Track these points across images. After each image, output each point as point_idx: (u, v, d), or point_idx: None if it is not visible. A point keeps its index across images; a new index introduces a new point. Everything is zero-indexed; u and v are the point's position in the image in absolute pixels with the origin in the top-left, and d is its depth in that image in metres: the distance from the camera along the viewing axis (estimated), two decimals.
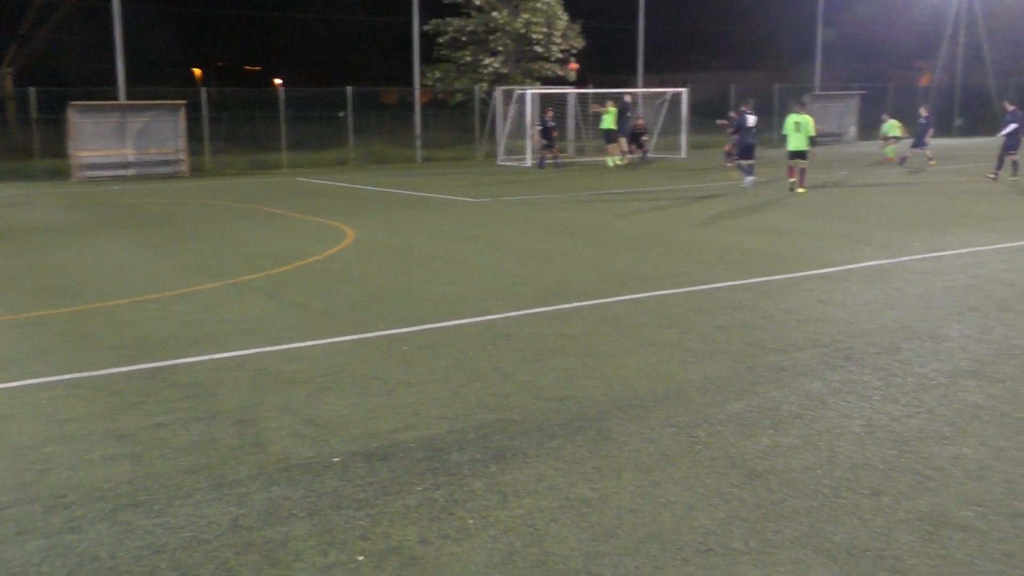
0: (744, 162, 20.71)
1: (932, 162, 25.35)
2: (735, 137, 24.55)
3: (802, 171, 19.33)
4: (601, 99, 31.10)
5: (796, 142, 19.31)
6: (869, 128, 44.45)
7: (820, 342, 6.93)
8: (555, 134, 28.61)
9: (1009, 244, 11.51)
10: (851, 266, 10.24)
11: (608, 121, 29.09)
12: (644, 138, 31.29)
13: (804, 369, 6.22)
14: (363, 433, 5.20)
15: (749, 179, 20.37)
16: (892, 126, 27.97)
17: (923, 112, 26.28)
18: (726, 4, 61.25)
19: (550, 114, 27.66)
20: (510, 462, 4.71)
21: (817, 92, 42.56)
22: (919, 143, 26.13)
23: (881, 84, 46.55)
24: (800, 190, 19.10)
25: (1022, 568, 3.53)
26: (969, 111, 48.45)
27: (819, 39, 44.75)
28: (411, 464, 4.72)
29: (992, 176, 20.88)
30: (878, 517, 3.98)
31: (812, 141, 19.90)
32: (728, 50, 61.46)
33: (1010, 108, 21.49)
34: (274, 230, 15.06)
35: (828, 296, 8.63)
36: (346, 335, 7.53)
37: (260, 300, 9.11)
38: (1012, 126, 21.04)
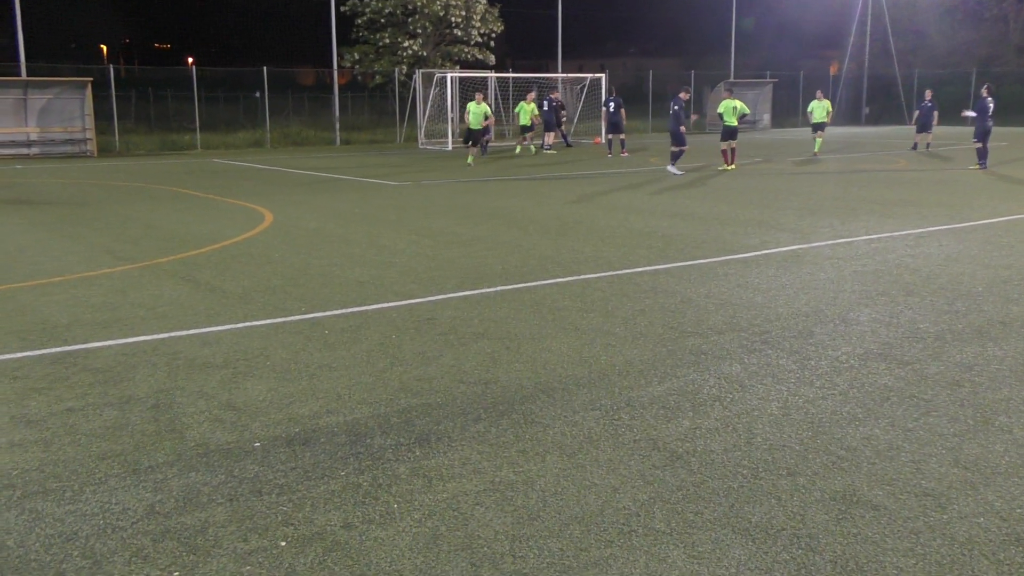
0: (675, 148, 20.89)
1: (928, 147, 26.42)
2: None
3: (733, 150, 21.63)
4: (532, 87, 30.92)
5: (731, 122, 21.48)
6: (782, 116, 45.49)
7: (738, 326, 7.07)
8: (487, 123, 27.11)
9: (915, 230, 11.91)
10: (766, 251, 10.47)
11: (524, 117, 28.24)
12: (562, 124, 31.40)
13: (723, 352, 6.34)
14: (284, 418, 5.12)
15: (672, 167, 20.67)
16: (819, 107, 25.91)
17: (927, 96, 26.81)
18: None
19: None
20: (434, 446, 4.69)
21: (732, 80, 43.32)
22: (927, 127, 26.67)
23: (793, 73, 47.60)
24: (731, 167, 21.30)
25: (929, 545, 3.66)
26: (876, 100, 49.93)
27: (734, 27, 45.51)
28: (334, 449, 4.67)
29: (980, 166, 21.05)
30: (794, 497, 4.08)
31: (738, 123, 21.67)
32: (646, 37, 62.19)
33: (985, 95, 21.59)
34: (188, 212, 14.70)
35: (744, 280, 8.81)
36: (264, 319, 7.40)
37: (174, 284, 8.89)
38: (972, 113, 21.27)
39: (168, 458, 4.57)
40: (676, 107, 21.18)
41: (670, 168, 20.70)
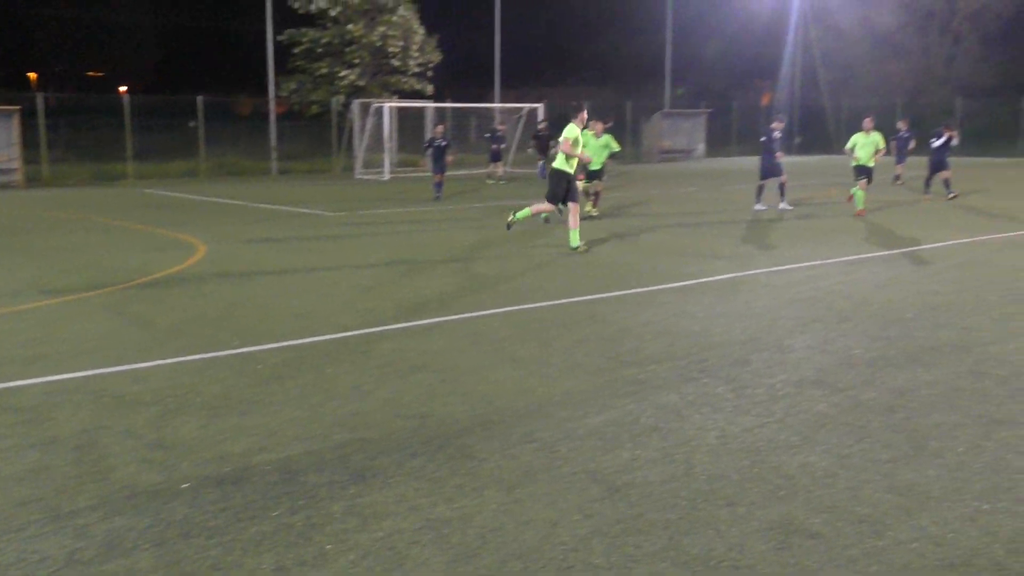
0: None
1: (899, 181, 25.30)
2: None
3: (597, 193, 17.59)
4: (465, 114, 30.71)
5: (597, 161, 17.30)
6: (717, 145, 46.26)
7: (675, 355, 7.09)
8: (450, 159, 23.05)
9: (847, 257, 12.13)
10: (703, 279, 10.56)
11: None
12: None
13: (661, 382, 6.35)
14: (214, 456, 4.97)
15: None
16: (866, 144, 18.48)
17: (902, 126, 26.03)
18: (581, 21, 62.65)
19: (439, 131, 23.52)
20: (369, 483, 4.60)
21: (667, 110, 43.96)
22: (901, 159, 25.73)
23: (726, 102, 48.50)
24: (594, 211, 17.40)
25: (866, 572, 3.67)
26: (807, 129, 51.05)
27: (668, 58, 46.24)
28: (266, 488, 4.54)
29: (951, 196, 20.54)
30: (733, 527, 4.07)
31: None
32: (583, 66, 62.87)
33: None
34: (119, 243, 14.37)
35: (682, 309, 8.86)
36: (196, 354, 7.22)
37: (102, 318, 8.65)
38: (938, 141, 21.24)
39: (92, 502, 4.40)
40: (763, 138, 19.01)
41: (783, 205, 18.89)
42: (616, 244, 13.79)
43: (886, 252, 12.63)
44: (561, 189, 13.00)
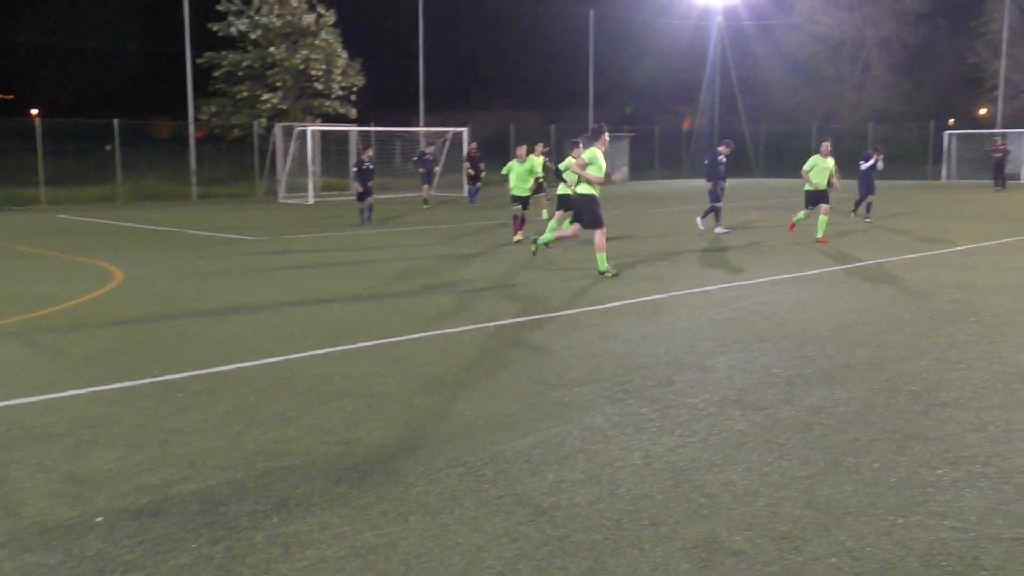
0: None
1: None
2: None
3: (523, 219, 17.47)
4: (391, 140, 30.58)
5: (522, 187, 17.38)
6: (640, 169, 47.00)
7: (600, 376, 7.15)
8: (370, 185, 22.32)
9: (767, 278, 12.41)
10: (627, 301, 10.69)
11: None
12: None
13: (586, 404, 6.39)
14: (132, 488, 4.85)
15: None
16: (821, 166, 17.45)
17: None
18: (505, 46, 63.18)
19: (368, 154, 22.83)
20: (293, 511, 4.53)
21: (590, 134, 44.48)
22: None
23: (649, 127, 49.34)
24: (517, 237, 17.18)
25: None
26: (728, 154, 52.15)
27: (591, 83, 46.90)
28: (185, 519, 4.44)
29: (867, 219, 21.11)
30: (657, 547, 4.11)
31: (538, 186, 18.33)
32: (507, 91, 63.35)
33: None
34: (31, 271, 13.95)
35: (606, 331, 8.95)
36: (112, 383, 7.03)
37: (13, 347, 8.38)
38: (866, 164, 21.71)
39: (1, 539, 4.24)
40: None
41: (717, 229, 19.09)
42: (541, 267, 13.87)
43: (804, 273, 12.95)
44: (591, 213, 12.74)
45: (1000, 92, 45.73)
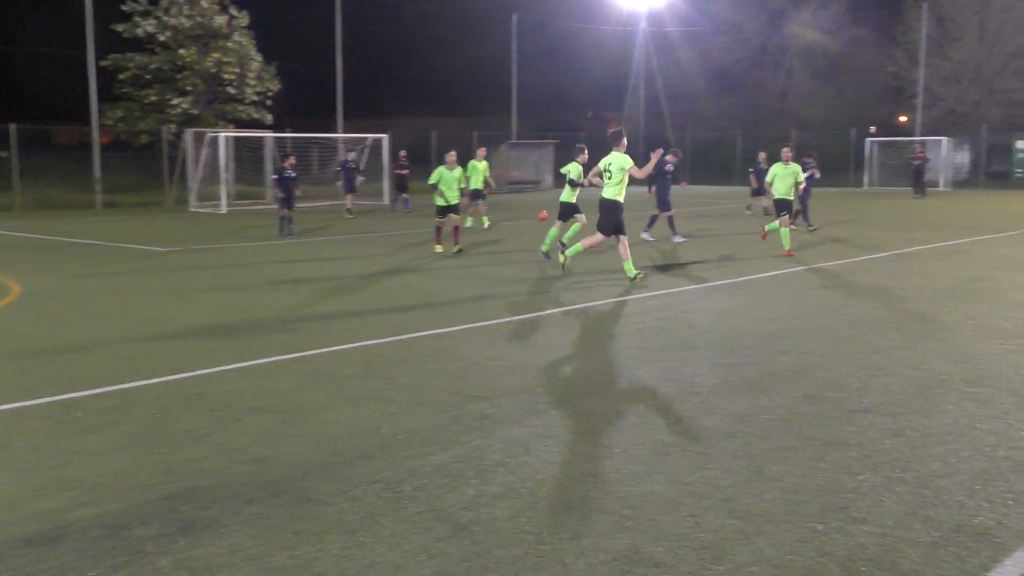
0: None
1: (749, 211, 26.41)
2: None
3: (457, 227, 17.19)
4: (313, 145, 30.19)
5: (454, 195, 16.97)
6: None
7: (522, 388, 7.18)
8: (299, 194, 21.92)
9: (692, 287, 12.61)
10: (550, 311, 10.75)
11: (476, 180, 22.23)
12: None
13: (507, 416, 6.42)
14: (28, 515, 4.70)
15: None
16: (784, 174, 16.96)
17: (761, 157, 26.74)
18: (425, 52, 63.11)
19: (289, 162, 21.79)
20: (201, 534, 4.45)
21: (514, 140, 44.72)
22: (759, 190, 26.55)
23: (574, 133, 49.77)
24: (439, 248, 16.94)
25: None
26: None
27: (515, 89, 47.13)
28: (86, 545, 4.32)
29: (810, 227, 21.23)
30: (579, 560, 4.14)
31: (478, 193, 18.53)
32: (428, 97, 63.28)
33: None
34: None
35: (530, 341, 9.00)
36: (5, 403, 6.82)
37: None
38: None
39: None
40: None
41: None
42: (463, 277, 13.89)
43: (729, 281, 13.20)
44: (615, 220, 13.15)
45: (919, 100, 47.32)
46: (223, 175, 30.16)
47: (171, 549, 4.28)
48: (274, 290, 12.63)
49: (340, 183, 28.76)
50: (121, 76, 36.08)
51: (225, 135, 30.80)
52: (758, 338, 9.12)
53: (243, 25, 37.19)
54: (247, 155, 33.78)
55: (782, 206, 16.76)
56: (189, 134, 32.32)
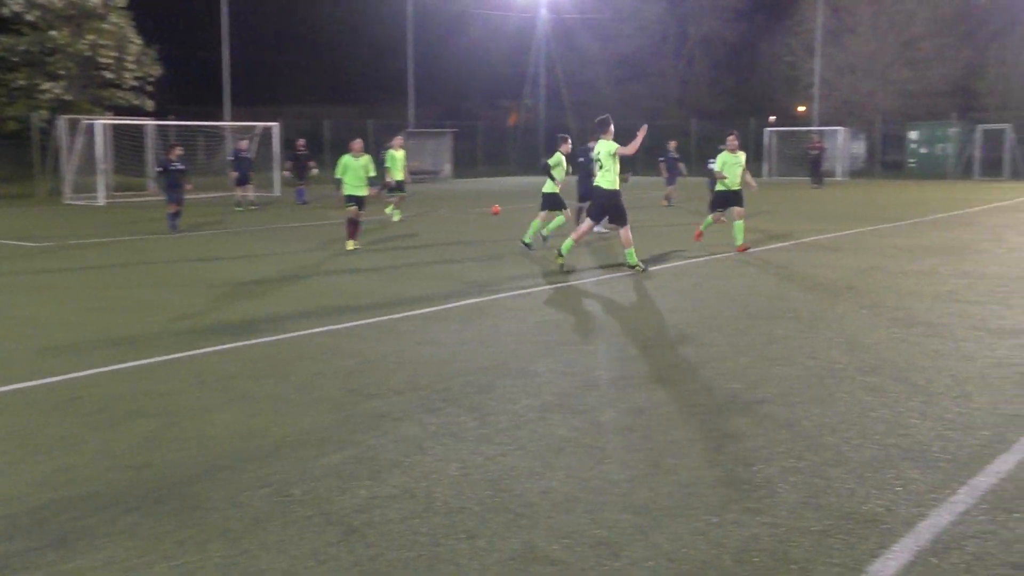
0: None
1: (663, 201, 26.78)
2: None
3: (358, 222, 16.72)
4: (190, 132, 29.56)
5: (360, 187, 16.53)
6: (464, 166, 47.36)
7: (418, 384, 7.17)
8: (188, 185, 20.76)
9: (593, 279, 12.77)
10: (448, 305, 10.76)
11: (396, 170, 21.96)
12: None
13: (402, 414, 6.40)
14: None
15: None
16: (732, 163, 15.98)
17: (671, 147, 27.35)
18: (315, 37, 62.25)
19: (176, 153, 20.90)
20: (74, 547, 4.32)
21: (411, 129, 44.48)
22: (672, 180, 27.10)
23: (473, 122, 49.79)
24: (351, 246, 16.45)
25: None
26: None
27: (411, 76, 46.87)
28: None
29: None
30: (474, 561, 4.17)
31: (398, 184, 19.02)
32: (320, 84, 62.45)
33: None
34: None
35: (425, 336, 8.99)
36: None
37: None
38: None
39: None
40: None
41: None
42: (357, 270, 13.77)
43: (632, 273, 13.40)
44: (614, 208, 13.33)
45: (816, 90, 48.81)
46: (100, 165, 29.21)
47: (40, 564, 4.15)
48: (154, 286, 12.31)
49: (234, 174, 27.48)
50: None
51: (102, 123, 29.83)
52: (658, 331, 9.30)
53: (120, 5, 36.06)
54: (127, 144, 32.79)
55: (730, 199, 15.93)
56: (62, 121, 31.20)
